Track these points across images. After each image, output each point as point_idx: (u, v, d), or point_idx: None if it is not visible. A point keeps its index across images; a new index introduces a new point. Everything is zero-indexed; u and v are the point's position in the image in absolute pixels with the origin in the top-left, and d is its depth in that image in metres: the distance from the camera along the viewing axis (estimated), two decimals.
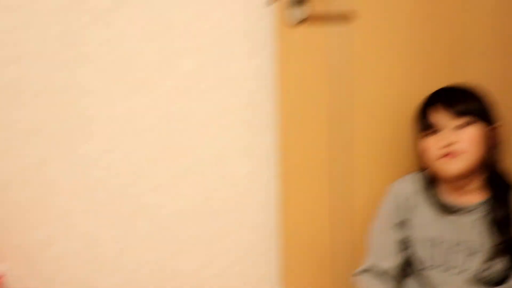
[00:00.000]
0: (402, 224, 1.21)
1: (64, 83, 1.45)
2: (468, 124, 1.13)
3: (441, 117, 1.14)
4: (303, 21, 1.33)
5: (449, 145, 1.11)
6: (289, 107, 1.35)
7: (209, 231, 1.50)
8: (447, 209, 1.16)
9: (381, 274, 1.18)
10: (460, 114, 1.13)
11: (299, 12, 1.32)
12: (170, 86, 1.47)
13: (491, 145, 1.18)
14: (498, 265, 1.12)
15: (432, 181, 1.21)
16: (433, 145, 1.14)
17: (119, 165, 1.48)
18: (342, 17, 1.33)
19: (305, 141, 1.36)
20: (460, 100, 1.15)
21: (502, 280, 1.15)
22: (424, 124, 1.18)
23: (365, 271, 1.21)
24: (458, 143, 1.11)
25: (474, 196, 1.18)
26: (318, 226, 1.38)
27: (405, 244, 1.21)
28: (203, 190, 1.49)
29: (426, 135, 1.17)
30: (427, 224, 1.18)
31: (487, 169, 1.18)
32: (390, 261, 1.18)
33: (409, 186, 1.22)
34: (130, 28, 1.44)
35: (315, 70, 1.35)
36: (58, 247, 1.49)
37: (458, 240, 1.15)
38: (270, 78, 1.45)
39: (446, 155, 1.12)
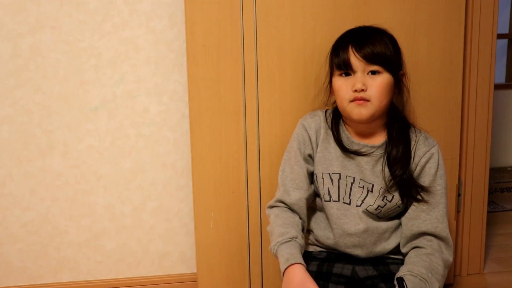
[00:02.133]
0: (309, 157, 1.25)
1: None
2: (378, 72, 1.15)
3: (354, 60, 1.15)
4: None
5: (360, 90, 1.14)
6: (197, 46, 1.34)
7: (123, 167, 1.52)
8: (350, 150, 1.21)
9: (289, 206, 1.24)
10: (371, 61, 1.14)
11: None
12: (77, 21, 1.42)
13: (396, 92, 1.23)
14: (392, 201, 1.19)
15: (339, 120, 1.26)
16: (345, 86, 1.16)
17: (27, 102, 1.45)
18: None
19: (213, 81, 1.36)
20: (372, 48, 1.15)
21: (397, 215, 1.22)
22: (337, 64, 1.18)
23: (276, 203, 1.26)
24: (368, 90, 1.13)
25: (376, 138, 1.22)
26: (228, 164, 1.41)
27: (312, 177, 1.26)
28: (115, 128, 1.49)
29: (340, 75, 1.18)
30: (331, 159, 1.22)
31: (390, 114, 1.23)
32: (298, 193, 1.22)
33: (317, 121, 1.25)
34: None
35: (223, 10, 1.33)
36: None
37: (358, 178, 1.20)
38: (180, 16, 1.44)
39: (356, 99, 1.14)
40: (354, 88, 1.14)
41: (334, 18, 1.36)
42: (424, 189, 1.18)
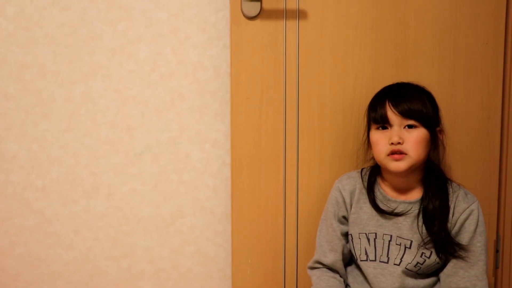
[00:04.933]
0: (344, 218, 1.28)
1: (21, 64, 1.48)
2: (414, 126, 1.19)
3: (390, 115, 1.19)
4: (257, 15, 1.37)
5: (396, 143, 1.17)
6: (240, 97, 1.40)
7: (163, 212, 1.56)
8: (386, 211, 1.22)
9: (328, 266, 1.26)
10: (407, 116, 1.18)
11: (253, 6, 1.36)
12: (127, 71, 1.50)
13: (433, 147, 1.25)
14: (431, 258, 1.20)
15: (375, 178, 1.28)
16: (382, 139, 1.20)
17: (75, 145, 1.52)
18: (293, 15, 1.38)
19: (255, 131, 1.41)
20: (409, 102, 1.19)
21: (435, 271, 1.23)
22: (374, 118, 1.23)
23: (315, 264, 1.29)
24: (405, 143, 1.17)
25: (413, 193, 1.24)
26: (267, 212, 1.44)
27: (346, 238, 1.28)
28: (158, 173, 1.54)
29: (377, 128, 1.22)
30: (366, 219, 1.25)
31: (426, 169, 1.25)
32: (334, 255, 1.25)
33: (351, 183, 1.28)
34: (89, 12, 1.47)
35: (266, 63, 1.39)
36: (13, 222, 1.54)
37: (395, 235, 1.22)
38: (224, 68, 1.50)
39: (393, 153, 1.17)
40: (391, 141, 1.17)
41: (374, 74, 1.41)
42: (462, 247, 1.18)
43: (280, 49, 1.39)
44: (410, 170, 1.19)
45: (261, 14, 1.37)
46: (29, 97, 1.49)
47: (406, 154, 1.17)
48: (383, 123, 1.21)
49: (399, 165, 1.18)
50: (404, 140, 1.17)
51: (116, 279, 1.57)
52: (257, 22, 1.38)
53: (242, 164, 1.43)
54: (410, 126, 1.19)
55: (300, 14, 1.38)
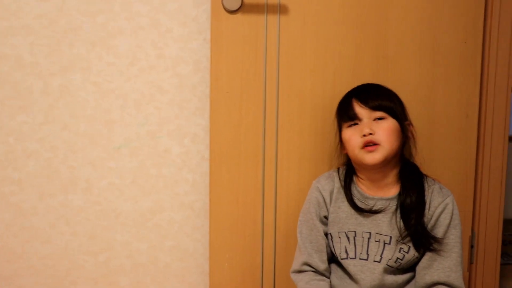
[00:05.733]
0: (325, 218, 1.28)
1: None
2: (383, 118, 1.21)
3: (358, 110, 1.22)
4: (238, 9, 1.37)
5: (369, 134, 1.18)
6: (220, 92, 1.39)
7: (142, 206, 1.55)
8: (364, 210, 1.23)
9: (316, 269, 1.25)
10: (375, 108, 1.21)
11: (235, 0, 1.36)
12: (106, 64, 1.48)
13: (403, 140, 1.27)
14: (410, 253, 1.21)
15: (352, 177, 1.29)
16: (354, 135, 1.21)
17: (53, 138, 1.50)
18: (274, 9, 1.37)
19: (235, 126, 1.41)
20: (375, 97, 1.23)
21: (412, 267, 1.24)
22: (345, 116, 1.25)
23: (302, 266, 1.27)
24: (376, 133, 1.18)
25: (390, 190, 1.25)
26: (245, 208, 1.44)
27: (327, 237, 1.28)
28: (137, 167, 1.53)
29: (348, 126, 1.24)
30: (345, 218, 1.25)
31: (400, 164, 1.26)
32: (320, 255, 1.25)
33: (330, 183, 1.29)
34: (68, 3, 1.45)
35: (247, 57, 1.38)
36: None
37: (374, 232, 1.23)
38: (205, 62, 1.49)
39: (367, 144, 1.19)
40: (362, 133, 1.19)
41: (354, 70, 1.41)
42: (437, 240, 1.20)
43: (261, 43, 1.39)
44: (386, 161, 1.20)
45: (242, 8, 1.37)
46: (6, 88, 1.47)
47: (379, 144, 1.18)
48: (353, 119, 1.23)
49: (374, 156, 1.19)
50: (375, 131, 1.19)
51: (93, 274, 1.56)
52: (238, 16, 1.37)
53: (221, 159, 1.42)
54: (379, 119, 1.21)
55: (281, 9, 1.38)
